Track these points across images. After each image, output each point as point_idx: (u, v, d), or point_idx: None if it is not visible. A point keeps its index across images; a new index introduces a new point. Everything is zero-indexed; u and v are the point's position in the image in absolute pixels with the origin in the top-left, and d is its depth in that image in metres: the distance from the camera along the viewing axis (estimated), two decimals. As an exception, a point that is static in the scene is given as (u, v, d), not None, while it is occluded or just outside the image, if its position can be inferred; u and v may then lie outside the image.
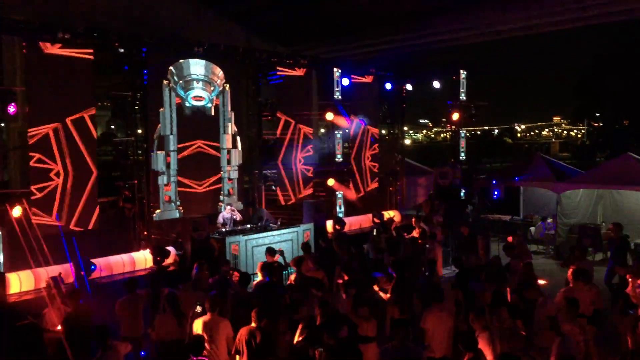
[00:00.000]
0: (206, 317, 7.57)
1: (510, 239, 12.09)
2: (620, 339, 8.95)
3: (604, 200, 17.26)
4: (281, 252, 11.04)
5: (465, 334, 6.81)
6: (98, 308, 8.51)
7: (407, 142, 21.95)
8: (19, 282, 10.03)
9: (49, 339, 8.39)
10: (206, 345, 7.21)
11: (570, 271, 9.09)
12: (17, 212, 10.38)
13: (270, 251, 10.76)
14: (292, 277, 10.10)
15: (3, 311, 8.96)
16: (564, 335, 7.07)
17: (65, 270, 10.16)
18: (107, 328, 7.07)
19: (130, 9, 14.73)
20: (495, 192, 18.42)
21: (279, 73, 15.86)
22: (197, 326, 7.56)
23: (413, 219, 14.49)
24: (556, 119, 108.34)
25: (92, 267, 10.80)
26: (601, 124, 48.04)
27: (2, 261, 10.35)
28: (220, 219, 13.65)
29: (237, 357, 7.31)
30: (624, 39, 39.11)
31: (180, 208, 13.72)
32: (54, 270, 10.12)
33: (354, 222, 16.38)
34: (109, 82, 13.12)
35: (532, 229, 17.83)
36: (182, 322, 7.96)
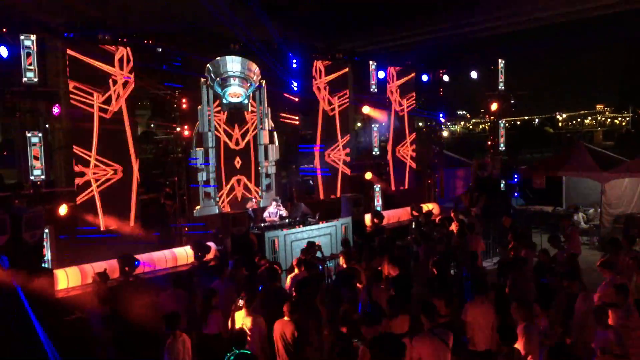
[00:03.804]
0: (241, 313, 7.65)
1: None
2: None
3: (650, 189, 16.64)
4: (319, 247, 11.04)
5: (505, 326, 6.61)
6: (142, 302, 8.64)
7: (445, 134, 21.65)
8: (67, 278, 10.30)
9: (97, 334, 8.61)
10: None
11: (597, 263, 8.70)
12: (63, 210, 10.69)
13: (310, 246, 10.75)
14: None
15: (52, 307, 9.19)
16: (608, 325, 6.79)
17: (110, 266, 10.41)
18: (178, 315, 7.18)
19: (167, 7, 14.88)
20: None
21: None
22: (237, 321, 7.66)
23: (452, 212, 14.33)
24: (599, 106, 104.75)
25: (136, 262, 11.02)
26: (647, 111, 46.55)
27: (49, 258, 10.64)
28: (266, 214, 13.73)
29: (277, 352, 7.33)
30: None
31: (220, 204, 13.88)
32: (100, 266, 10.40)
33: (392, 216, 16.28)
34: (149, 81, 13.31)
35: (576, 217, 17.35)
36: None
